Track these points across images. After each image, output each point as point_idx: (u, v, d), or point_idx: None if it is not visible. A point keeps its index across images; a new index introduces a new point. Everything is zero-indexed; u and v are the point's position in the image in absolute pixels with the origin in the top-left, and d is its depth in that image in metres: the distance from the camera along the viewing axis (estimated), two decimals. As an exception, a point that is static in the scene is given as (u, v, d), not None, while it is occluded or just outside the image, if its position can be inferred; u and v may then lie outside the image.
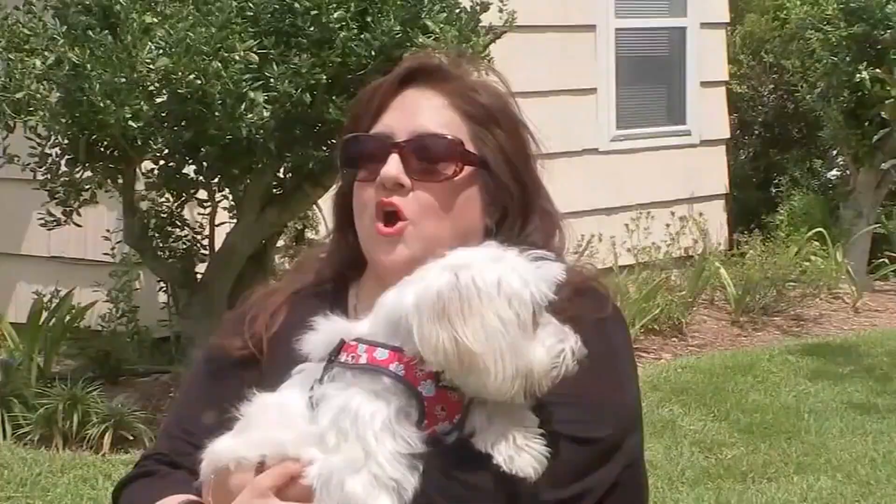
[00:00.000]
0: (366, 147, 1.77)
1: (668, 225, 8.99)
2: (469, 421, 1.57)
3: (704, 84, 9.58)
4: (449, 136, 1.74)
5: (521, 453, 1.55)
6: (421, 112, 1.76)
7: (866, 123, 9.42)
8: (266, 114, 5.25)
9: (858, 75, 9.09)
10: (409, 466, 1.54)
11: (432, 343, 1.53)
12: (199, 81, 5.16)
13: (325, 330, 1.64)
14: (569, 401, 1.64)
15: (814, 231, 9.06)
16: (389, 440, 1.53)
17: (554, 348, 1.55)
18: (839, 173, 10.76)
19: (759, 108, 10.93)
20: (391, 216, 1.73)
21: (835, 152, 10.63)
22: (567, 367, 1.55)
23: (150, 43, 5.15)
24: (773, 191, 10.45)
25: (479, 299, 1.53)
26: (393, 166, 1.73)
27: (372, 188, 1.75)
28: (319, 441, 1.57)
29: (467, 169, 1.74)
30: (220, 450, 1.66)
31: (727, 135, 9.90)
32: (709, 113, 9.61)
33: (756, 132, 10.99)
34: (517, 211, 1.75)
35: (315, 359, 1.64)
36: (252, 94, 5.21)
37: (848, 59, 9.26)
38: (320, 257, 1.88)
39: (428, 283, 1.56)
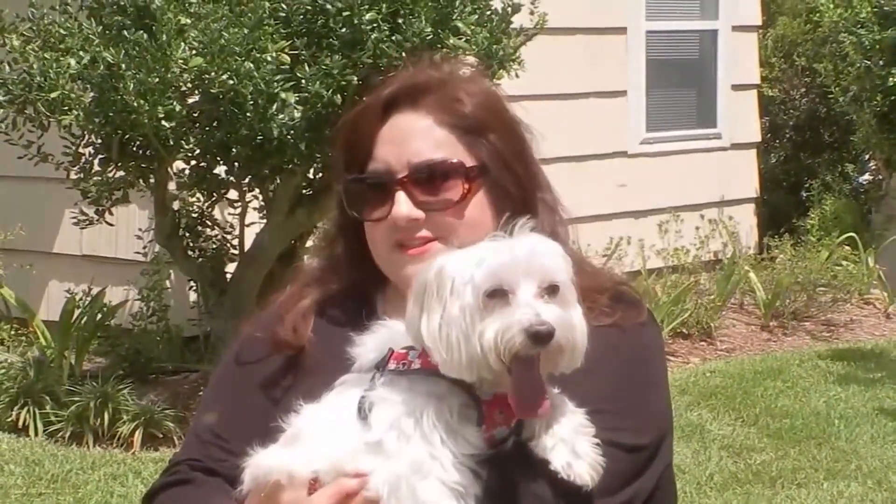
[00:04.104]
0: (368, 188, 1.75)
1: (697, 228, 8.96)
2: (527, 426, 1.56)
3: (735, 87, 9.54)
4: (450, 160, 1.72)
5: (578, 460, 1.54)
6: (413, 139, 1.73)
7: (899, 127, 9.35)
8: (297, 114, 5.28)
9: (892, 79, 9.02)
10: (472, 473, 1.52)
11: (410, 329, 1.56)
12: (231, 82, 5.19)
13: (376, 336, 1.63)
14: (615, 408, 1.65)
15: (845, 236, 8.99)
16: (453, 442, 1.52)
17: (503, 327, 1.50)
18: (871, 178, 10.68)
19: (791, 111, 10.87)
20: (415, 243, 1.73)
21: (867, 156, 10.56)
22: (518, 343, 1.49)
23: (183, 43, 5.19)
24: (804, 195, 10.39)
25: (438, 290, 1.53)
26: (403, 206, 1.71)
27: (383, 228, 1.73)
28: (376, 447, 1.53)
29: (473, 185, 1.73)
30: (268, 463, 1.61)
31: (758, 138, 9.85)
32: (740, 116, 9.57)
33: (787, 136, 10.92)
34: (519, 207, 1.74)
35: (360, 368, 1.62)
36: (283, 95, 5.24)
37: (881, 62, 9.19)
38: (332, 266, 1.85)
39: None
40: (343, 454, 1.56)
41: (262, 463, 1.62)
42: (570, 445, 1.54)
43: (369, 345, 1.63)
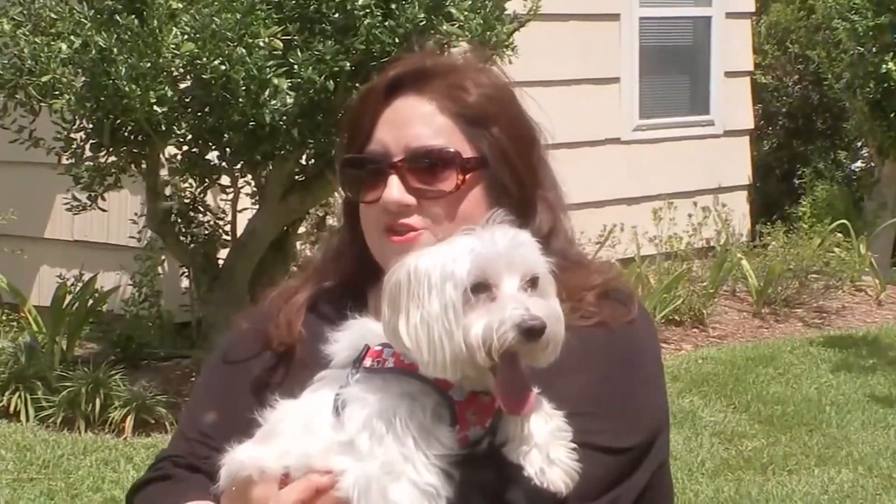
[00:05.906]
0: (363, 169, 1.73)
1: (690, 215, 8.96)
2: (502, 429, 1.54)
3: (729, 74, 9.53)
4: (448, 149, 1.69)
5: (552, 466, 1.51)
6: (412, 124, 1.70)
7: (892, 115, 9.36)
8: (289, 100, 5.26)
9: (884, 66, 9.02)
10: (444, 474, 1.50)
11: (388, 332, 1.52)
12: (223, 67, 5.17)
13: (350, 333, 1.61)
14: (600, 410, 1.62)
15: (837, 223, 9.01)
16: (426, 443, 1.50)
17: (494, 323, 1.46)
18: (863, 165, 10.69)
19: (784, 98, 10.87)
20: (402, 230, 1.71)
21: (859, 143, 10.57)
22: (512, 338, 1.46)
23: (175, 28, 5.17)
24: (797, 182, 10.40)
25: (415, 288, 1.49)
26: (394, 190, 1.69)
27: (375, 211, 1.71)
28: (349, 446, 1.52)
29: (469, 177, 1.70)
30: (242, 458, 1.60)
31: (751, 125, 9.85)
32: (733, 103, 9.56)
33: (780, 123, 10.93)
34: (516, 204, 1.70)
35: (337, 365, 1.60)
36: (276, 81, 5.22)
37: (874, 49, 9.19)
38: (332, 257, 1.84)
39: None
40: (315, 451, 1.54)
41: (236, 458, 1.61)
42: (545, 451, 1.51)
43: (343, 342, 1.60)
